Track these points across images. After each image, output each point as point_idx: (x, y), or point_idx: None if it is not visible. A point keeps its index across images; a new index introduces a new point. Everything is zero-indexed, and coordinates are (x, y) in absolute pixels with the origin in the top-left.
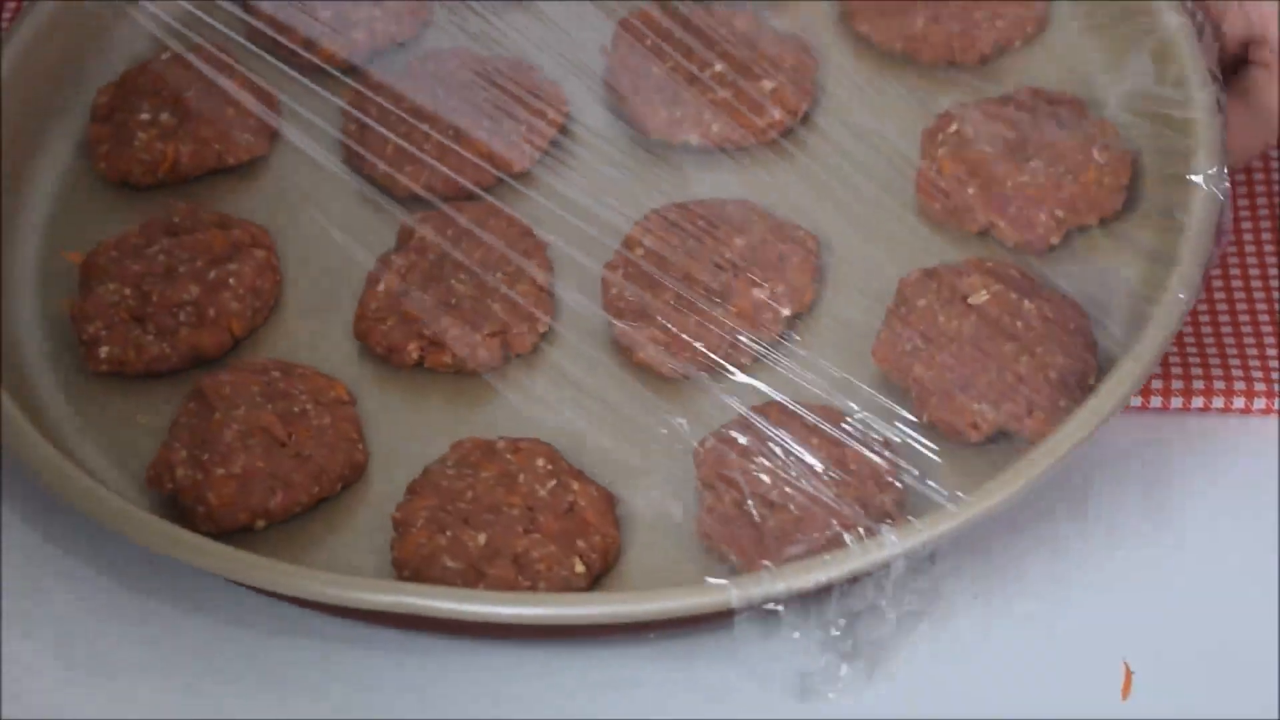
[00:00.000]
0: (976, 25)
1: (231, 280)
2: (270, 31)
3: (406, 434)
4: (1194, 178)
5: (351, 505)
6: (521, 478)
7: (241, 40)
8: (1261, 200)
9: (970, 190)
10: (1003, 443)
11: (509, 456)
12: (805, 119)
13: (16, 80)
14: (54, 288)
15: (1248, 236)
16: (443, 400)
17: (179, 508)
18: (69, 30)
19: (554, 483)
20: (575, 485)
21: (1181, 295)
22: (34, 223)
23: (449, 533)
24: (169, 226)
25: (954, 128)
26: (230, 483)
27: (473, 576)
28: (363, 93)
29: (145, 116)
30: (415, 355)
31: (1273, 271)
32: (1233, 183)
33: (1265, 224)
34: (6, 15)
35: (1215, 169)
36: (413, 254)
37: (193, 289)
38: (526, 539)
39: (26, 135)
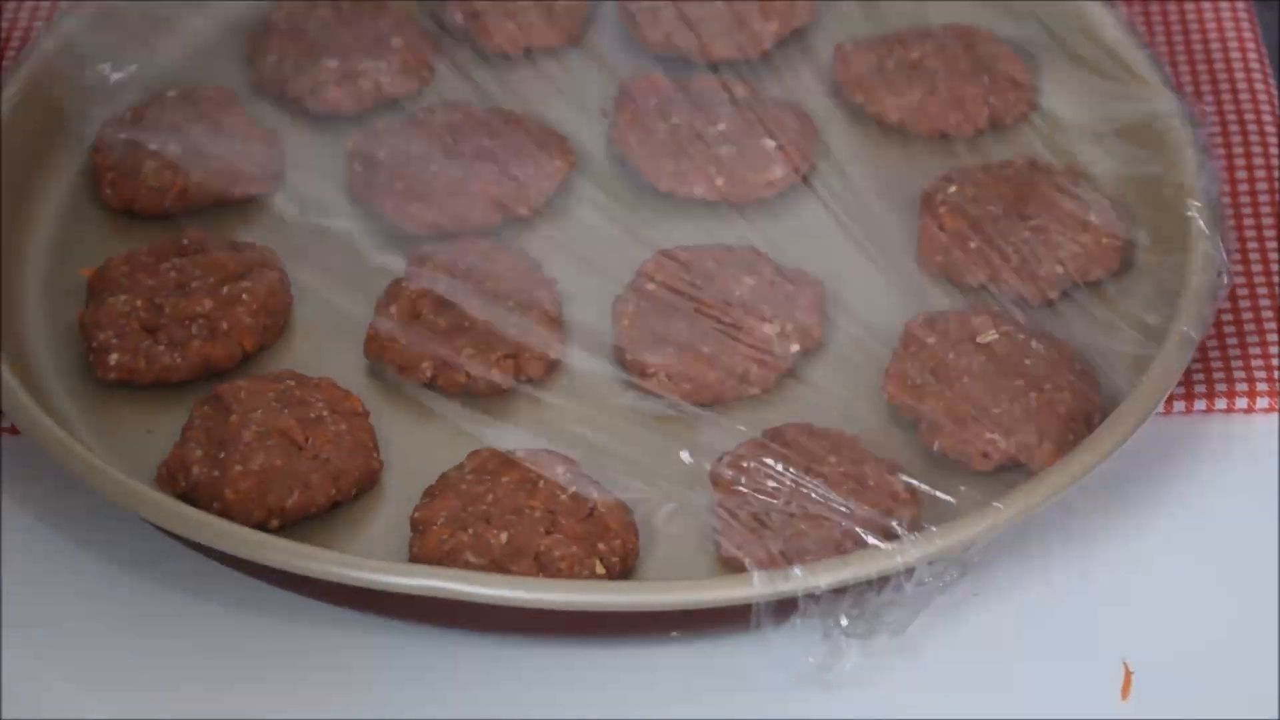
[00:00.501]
0: (971, 101)
1: (245, 296)
2: (276, 79)
3: (419, 450)
4: (1190, 246)
5: (365, 512)
6: (541, 483)
7: (248, 86)
8: (1264, 199)
9: (972, 245)
10: (1010, 474)
11: (528, 464)
12: (807, 178)
13: (23, 105)
14: (61, 303)
15: (1250, 236)
16: (454, 420)
17: (193, 504)
18: (75, 64)
19: (574, 489)
20: (594, 493)
21: (1190, 334)
22: (40, 241)
23: (471, 530)
24: (179, 248)
25: (954, 188)
26: (248, 479)
27: (495, 573)
28: (368, 135)
29: (153, 147)
30: (428, 374)
31: (1275, 269)
32: (1233, 182)
33: (1267, 220)
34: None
35: (1210, 234)
36: (424, 282)
37: (206, 303)
38: (548, 539)
39: (32, 157)
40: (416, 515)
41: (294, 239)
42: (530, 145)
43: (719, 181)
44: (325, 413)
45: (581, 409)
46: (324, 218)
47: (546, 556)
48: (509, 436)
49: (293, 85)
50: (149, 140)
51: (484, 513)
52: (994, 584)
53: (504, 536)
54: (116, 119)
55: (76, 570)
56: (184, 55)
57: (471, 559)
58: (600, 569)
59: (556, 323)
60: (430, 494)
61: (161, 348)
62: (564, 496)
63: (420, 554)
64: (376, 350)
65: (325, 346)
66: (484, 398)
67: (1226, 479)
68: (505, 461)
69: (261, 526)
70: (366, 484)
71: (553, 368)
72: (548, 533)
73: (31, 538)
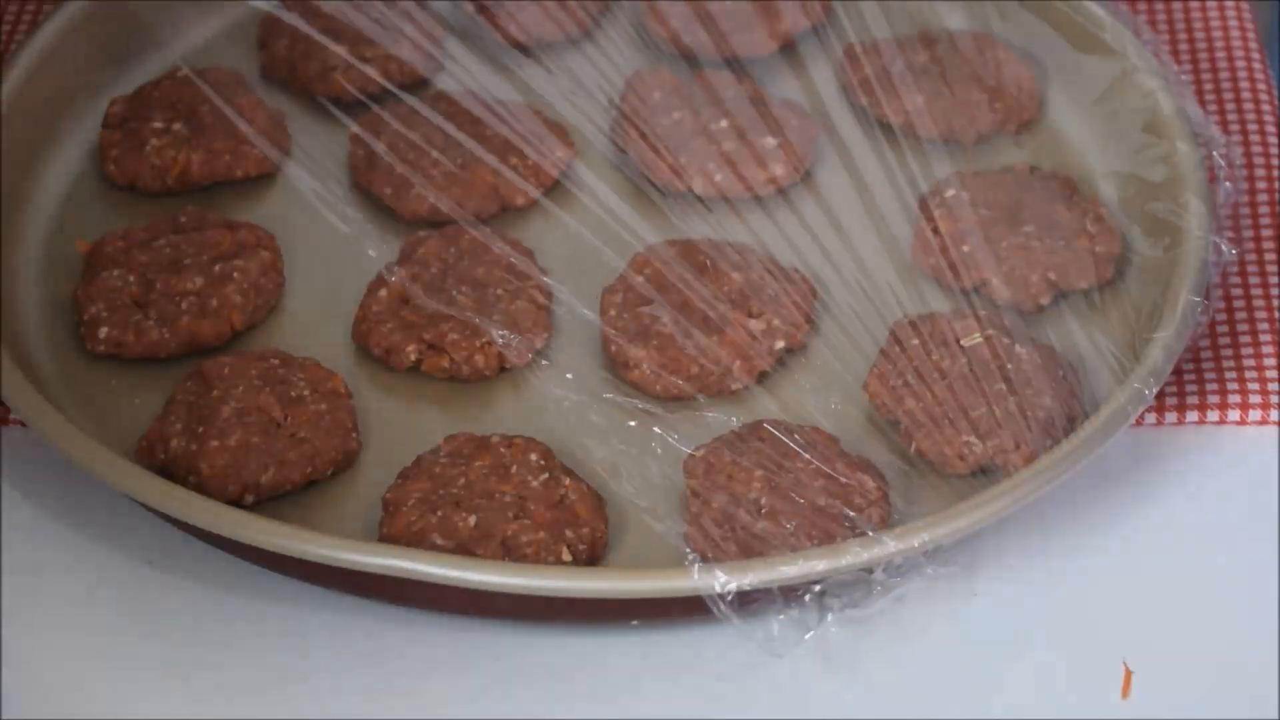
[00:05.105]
0: (975, 106)
1: (236, 275)
2: (286, 63)
3: (400, 433)
4: (1181, 259)
5: (340, 491)
6: (514, 469)
7: (259, 69)
8: (1264, 209)
9: (965, 248)
10: (986, 478)
11: (503, 450)
12: (806, 177)
13: (32, 82)
14: (58, 275)
15: (1248, 246)
16: (437, 404)
17: (170, 478)
18: (86, 40)
19: (546, 476)
20: (567, 481)
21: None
22: (41, 214)
23: (439, 513)
24: (175, 225)
25: (951, 192)
26: (224, 454)
27: (461, 556)
28: (372, 120)
29: (158, 125)
30: (413, 357)
31: (1272, 280)
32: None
33: (1266, 232)
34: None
35: (1201, 250)
36: (416, 266)
37: (197, 280)
38: (516, 524)
39: (39, 133)
40: (388, 496)
41: (291, 220)
42: (533, 135)
43: (718, 177)
44: (306, 392)
45: (562, 397)
46: (323, 201)
47: (513, 541)
48: (489, 423)
49: (302, 70)
50: (155, 118)
51: (454, 496)
52: (994, 585)
53: (472, 520)
54: (125, 96)
55: (70, 554)
56: (197, 38)
57: (438, 541)
58: (567, 556)
59: (544, 312)
60: (404, 476)
61: (151, 323)
62: (535, 483)
63: (389, 534)
64: (363, 333)
65: (314, 328)
66: (467, 383)
67: (1221, 488)
68: (480, 446)
69: (236, 502)
70: (344, 464)
71: (537, 356)
72: (515, 518)
73: (30, 525)
